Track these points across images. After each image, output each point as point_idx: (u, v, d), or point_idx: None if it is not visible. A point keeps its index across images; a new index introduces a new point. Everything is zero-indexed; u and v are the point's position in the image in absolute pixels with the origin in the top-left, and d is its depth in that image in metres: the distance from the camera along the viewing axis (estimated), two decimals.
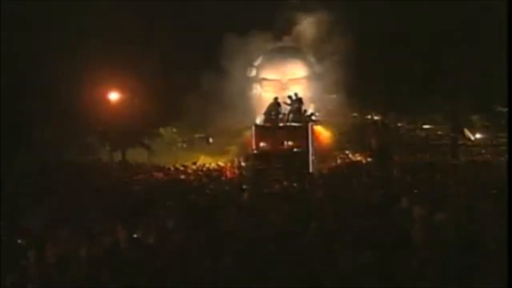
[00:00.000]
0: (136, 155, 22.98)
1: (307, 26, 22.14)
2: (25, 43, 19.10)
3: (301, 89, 22.84)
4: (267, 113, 21.99)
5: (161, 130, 24.13)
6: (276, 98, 22.01)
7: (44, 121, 20.83)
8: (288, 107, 21.79)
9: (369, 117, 23.83)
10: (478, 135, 23.29)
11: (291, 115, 21.82)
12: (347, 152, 22.31)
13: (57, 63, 19.12)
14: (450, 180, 14.14)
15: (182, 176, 18.85)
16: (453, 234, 7.54)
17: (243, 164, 20.92)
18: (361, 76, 20.03)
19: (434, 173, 15.93)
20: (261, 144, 21.41)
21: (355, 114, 23.36)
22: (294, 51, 23.25)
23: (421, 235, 7.61)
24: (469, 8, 19.96)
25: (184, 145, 25.13)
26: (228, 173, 20.05)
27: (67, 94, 19.21)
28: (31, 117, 19.91)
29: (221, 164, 21.75)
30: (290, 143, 21.12)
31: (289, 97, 21.76)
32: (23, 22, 19.12)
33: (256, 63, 23.25)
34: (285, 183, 15.01)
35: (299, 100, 21.65)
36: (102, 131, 22.34)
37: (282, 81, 23.11)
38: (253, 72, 23.39)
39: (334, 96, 22.53)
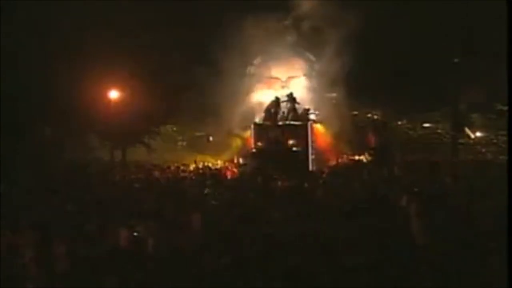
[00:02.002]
0: (137, 154, 22.97)
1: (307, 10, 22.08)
2: (24, 43, 19.09)
3: (301, 88, 22.85)
4: (267, 112, 21.98)
5: (161, 129, 24.12)
6: (277, 97, 22.00)
7: (44, 120, 20.81)
8: (288, 106, 21.80)
9: (369, 115, 23.82)
10: (478, 134, 23.29)
11: (290, 114, 21.80)
12: (347, 150, 22.31)
13: (57, 63, 19.11)
14: (450, 178, 14.14)
15: (182, 175, 18.84)
16: (453, 233, 7.54)
17: (242, 162, 20.91)
18: (361, 75, 20.03)
19: (434, 171, 15.93)
20: (261, 142, 21.40)
21: (355, 112, 23.35)
22: (294, 49, 23.23)
23: (420, 233, 7.61)
24: (469, 7, 19.95)
25: (184, 144, 25.14)
26: (227, 171, 20.04)
27: (67, 93, 19.19)
28: (31, 117, 19.89)
29: (221, 162, 21.75)
30: (289, 141, 21.09)
31: (287, 95, 21.78)
32: (22, 21, 19.11)
33: (256, 61, 23.22)
34: (284, 182, 15.00)
35: (293, 99, 21.62)
36: (103, 130, 22.31)
37: (282, 79, 23.10)
38: (253, 71, 23.38)
39: (334, 94, 22.53)
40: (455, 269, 6.35)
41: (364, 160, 21.23)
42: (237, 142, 22.04)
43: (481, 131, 22.99)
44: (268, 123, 21.58)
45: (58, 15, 19.61)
